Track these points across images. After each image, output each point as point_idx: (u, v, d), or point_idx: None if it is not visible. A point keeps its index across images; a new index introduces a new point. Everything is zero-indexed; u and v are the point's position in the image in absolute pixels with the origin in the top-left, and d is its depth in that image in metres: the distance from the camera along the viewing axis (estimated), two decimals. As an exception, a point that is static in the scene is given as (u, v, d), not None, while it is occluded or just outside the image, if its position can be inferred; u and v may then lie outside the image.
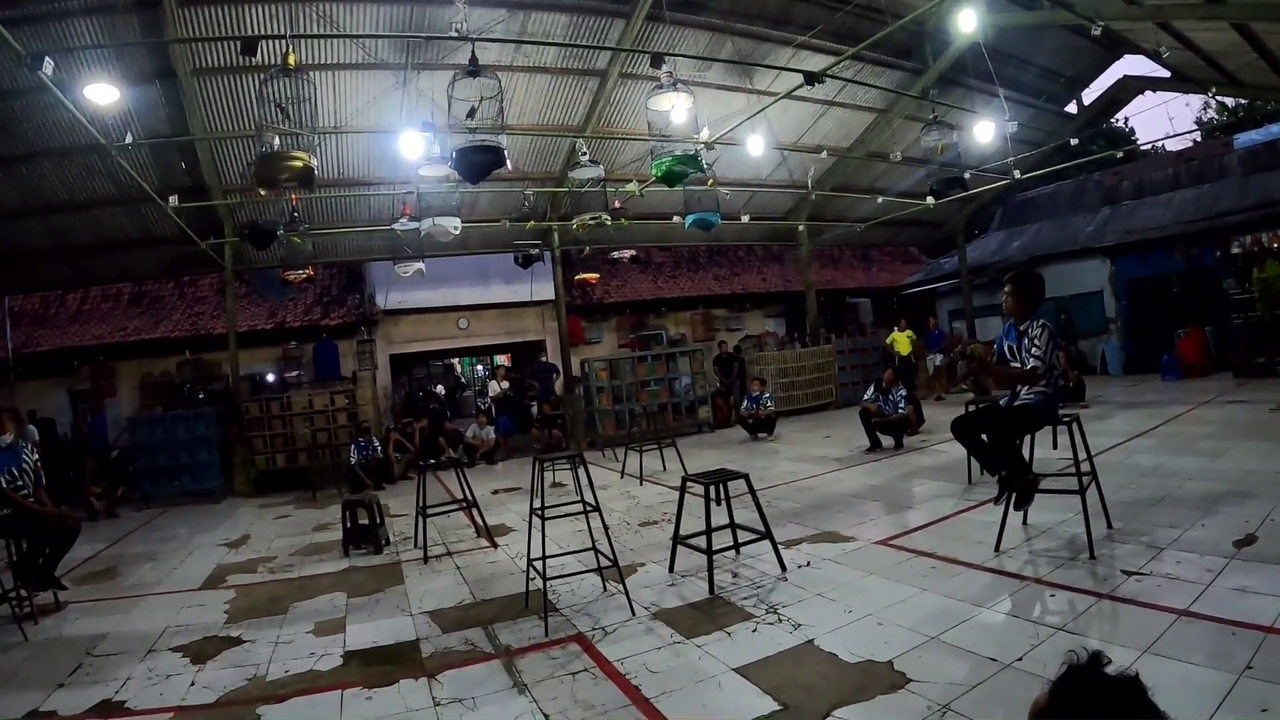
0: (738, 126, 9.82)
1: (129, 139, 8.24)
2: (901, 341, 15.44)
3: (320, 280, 15.95)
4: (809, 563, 5.05)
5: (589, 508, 4.70)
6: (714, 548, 4.74)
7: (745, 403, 12.72)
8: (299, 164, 5.49)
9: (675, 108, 7.05)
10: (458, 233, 9.06)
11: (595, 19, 10.26)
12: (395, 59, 9.82)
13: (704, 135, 8.52)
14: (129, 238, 11.74)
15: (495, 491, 9.65)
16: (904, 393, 10.12)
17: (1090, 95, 16.03)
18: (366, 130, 10.27)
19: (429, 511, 6.72)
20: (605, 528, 4.86)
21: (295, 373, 15.37)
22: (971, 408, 6.35)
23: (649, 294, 18.96)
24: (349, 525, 6.90)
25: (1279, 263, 12.73)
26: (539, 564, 4.45)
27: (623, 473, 9.74)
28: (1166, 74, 13.27)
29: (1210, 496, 5.36)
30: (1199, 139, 20.11)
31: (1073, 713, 1.24)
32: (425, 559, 6.30)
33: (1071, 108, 16.04)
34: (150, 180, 9.76)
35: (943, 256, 21.45)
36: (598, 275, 14.78)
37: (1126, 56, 14.62)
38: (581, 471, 4.93)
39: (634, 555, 5.68)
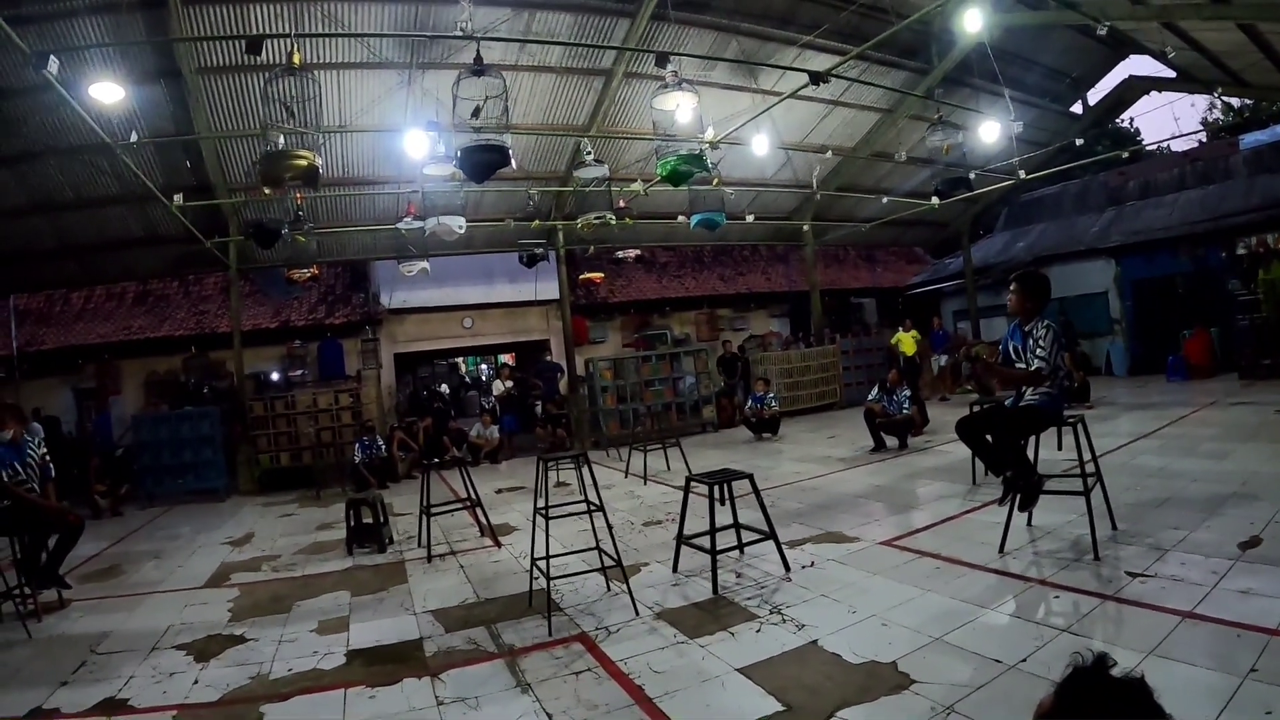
0: (743, 126, 9.82)
1: (134, 138, 8.25)
2: (906, 342, 15.41)
3: (325, 279, 15.99)
4: (813, 563, 5.04)
5: (593, 507, 4.69)
6: (718, 548, 4.73)
7: (749, 403, 12.71)
8: (304, 163, 5.50)
9: (680, 107, 7.05)
10: (462, 232, 9.08)
11: (600, 18, 10.27)
12: (400, 58, 9.85)
13: (709, 135, 8.52)
14: (134, 236, 11.78)
15: (499, 491, 9.66)
16: (908, 393, 10.11)
17: (1096, 95, 16.04)
18: (371, 129, 10.30)
19: (433, 510, 6.72)
20: (609, 527, 4.86)
21: (300, 371, 15.42)
22: (976, 408, 6.34)
23: (653, 293, 18.97)
24: (353, 524, 6.91)
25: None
26: (542, 563, 4.44)
27: (627, 472, 9.74)
28: (1172, 74, 13.22)
29: (1215, 498, 5.34)
30: (1204, 139, 20.04)
31: (1078, 715, 1.23)
32: (429, 558, 6.30)
33: (1077, 108, 16.01)
34: (155, 179, 9.79)
35: (948, 257, 21.40)
36: (602, 275, 14.78)
37: (1132, 57, 14.56)
38: (585, 471, 4.92)
39: (638, 555, 5.68)
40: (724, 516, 5.04)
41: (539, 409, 14.17)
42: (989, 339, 14.83)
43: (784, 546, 5.02)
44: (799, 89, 8.42)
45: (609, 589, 4.88)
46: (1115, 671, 1.25)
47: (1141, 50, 12.90)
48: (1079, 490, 4.61)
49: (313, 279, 11.53)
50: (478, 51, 5.90)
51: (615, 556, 4.66)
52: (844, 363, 16.19)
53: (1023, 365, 4.56)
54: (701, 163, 7.54)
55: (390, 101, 10.20)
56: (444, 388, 22.28)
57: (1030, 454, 4.82)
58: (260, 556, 7.09)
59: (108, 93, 6.70)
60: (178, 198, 9.50)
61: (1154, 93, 14.92)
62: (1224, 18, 9.07)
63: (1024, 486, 4.64)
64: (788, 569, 4.86)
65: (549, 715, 3.22)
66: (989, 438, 4.78)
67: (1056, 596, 3.94)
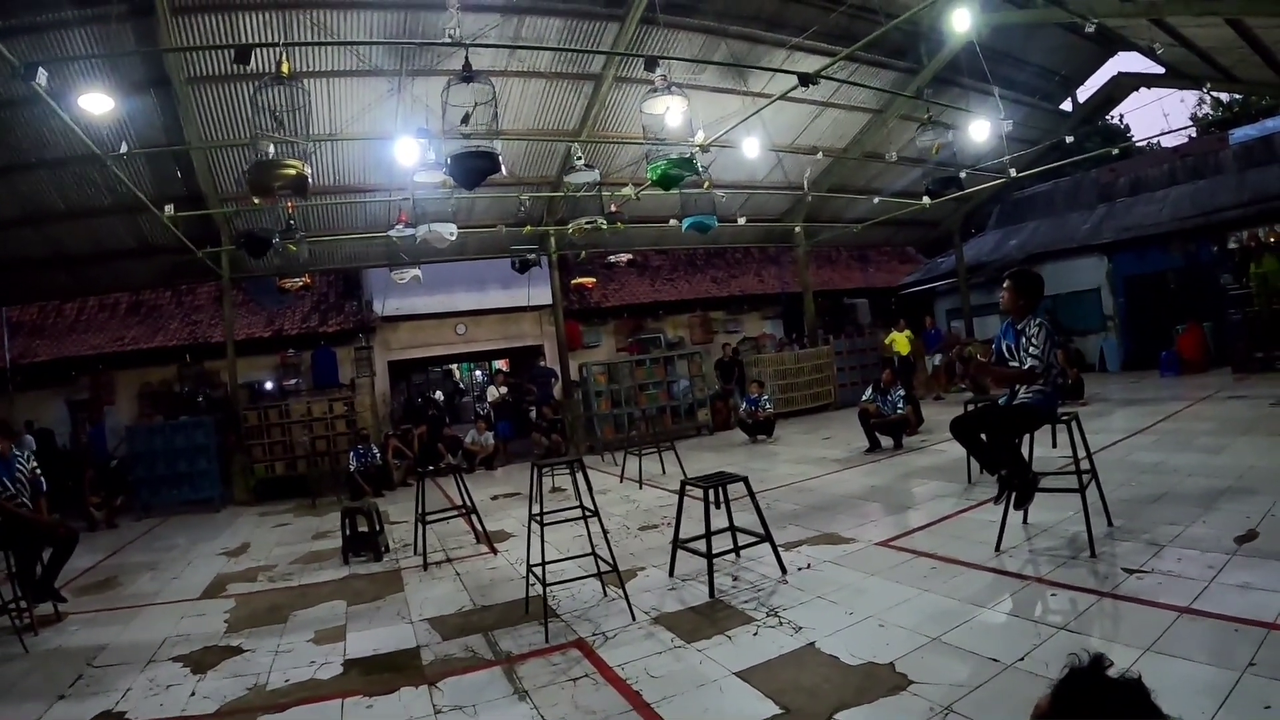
0: (733, 129, 9.82)
1: (124, 148, 8.21)
2: (900, 341, 15.43)
3: (317, 287, 15.94)
4: (809, 565, 5.04)
5: (588, 512, 4.68)
6: (714, 551, 4.73)
7: (744, 405, 12.72)
8: (292, 172, 5.47)
9: (670, 111, 7.04)
10: (454, 238, 9.03)
11: (589, 23, 10.27)
12: (389, 65, 9.83)
13: (699, 138, 8.53)
14: (126, 247, 11.75)
15: (495, 497, 9.64)
16: (902, 393, 10.11)
17: (1085, 93, 16.12)
18: (361, 137, 10.28)
19: (428, 518, 6.71)
20: (605, 532, 4.86)
21: (293, 380, 15.35)
22: (970, 407, 6.34)
23: (646, 297, 18.95)
24: (348, 533, 6.88)
25: (1276, 258, 12.75)
26: (539, 570, 4.43)
27: (622, 477, 9.73)
28: (1161, 70, 13.30)
29: (1211, 493, 5.36)
30: (1194, 135, 20.12)
31: (1075, 716, 1.23)
32: (425, 566, 6.29)
33: (1066, 105, 16.08)
34: (146, 189, 9.75)
35: (940, 256, 21.45)
36: (594, 280, 14.77)
37: (1121, 53, 14.66)
38: (581, 476, 4.90)
39: (634, 560, 5.66)
40: (720, 520, 5.04)
41: (534, 414, 14.15)
42: (982, 337, 14.88)
43: (780, 549, 5.03)
44: (789, 91, 8.42)
45: (605, 594, 4.87)
46: (1112, 672, 1.25)
47: (1130, 47, 12.98)
48: (1074, 487, 4.61)
49: (305, 288, 11.51)
50: (467, 58, 5.88)
51: (611, 562, 4.66)
52: (838, 363, 16.24)
53: (1016, 364, 4.57)
54: (692, 166, 7.55)
55: (380, 109, 10.18)
56: (438, 394, 22.23)
57: (1025, 452, 4.83)
58: (256, 567, 7.06)
59: (97, 103, 6.67)
60: (169, 208, 9.44)
61: (1143, 89, 15.05)
62: (1212, 13, 9.11)
63: (1019, 484, 4.65)
64: (784, 571, 4.86)
65: (547, 722, 3.21)
66: (983, 436, 4.79)
67: (1053, 594, 3.94)
